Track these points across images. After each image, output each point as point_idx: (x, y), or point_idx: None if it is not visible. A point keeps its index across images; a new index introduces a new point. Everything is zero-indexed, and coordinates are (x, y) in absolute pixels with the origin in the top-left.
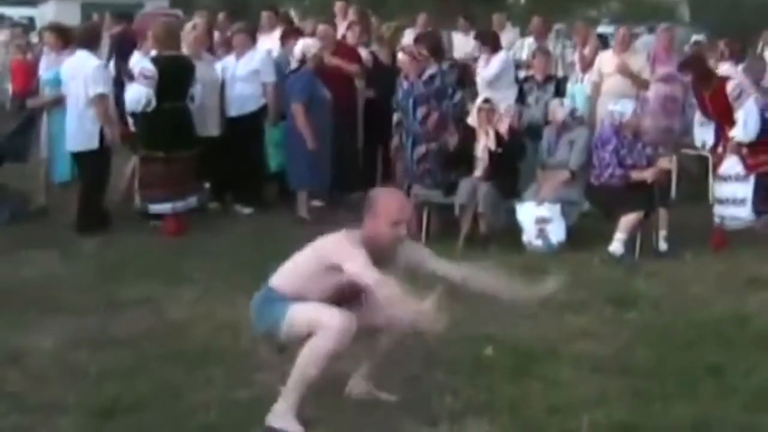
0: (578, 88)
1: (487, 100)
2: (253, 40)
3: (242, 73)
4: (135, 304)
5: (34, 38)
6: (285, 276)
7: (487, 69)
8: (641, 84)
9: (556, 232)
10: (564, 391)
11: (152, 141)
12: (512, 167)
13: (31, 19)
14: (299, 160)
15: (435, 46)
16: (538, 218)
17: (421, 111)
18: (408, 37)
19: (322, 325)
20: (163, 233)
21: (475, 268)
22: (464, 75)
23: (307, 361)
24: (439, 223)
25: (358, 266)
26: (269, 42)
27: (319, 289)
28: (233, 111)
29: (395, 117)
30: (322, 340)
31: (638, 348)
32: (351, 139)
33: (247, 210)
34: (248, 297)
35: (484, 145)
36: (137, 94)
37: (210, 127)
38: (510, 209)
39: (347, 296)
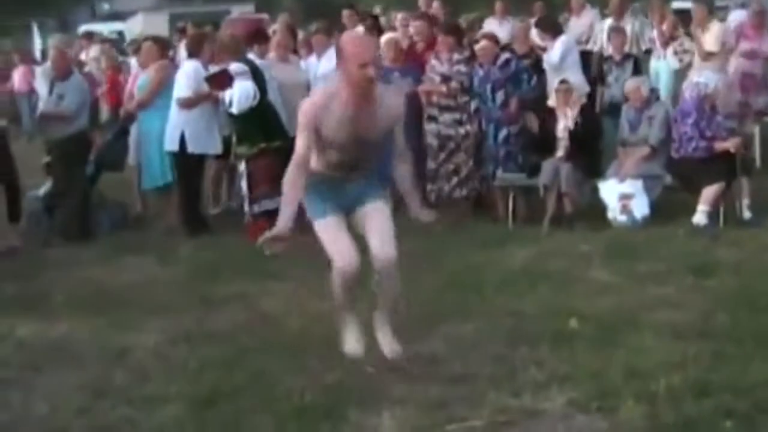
0: (662, 65)
1: (563, 81)
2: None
3: (323, 71)
4: (230, 301)
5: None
6: None
7: (551, 53)
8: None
9: (640, 207)
10: (644, 357)
11: (253, 135)
12: (593, 146)
13: (121, 33)
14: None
15: (555, 27)
16: (622, 194)
17: (499, 96)
18: (488, 25)
19: (332, 259)
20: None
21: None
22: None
23: (331, 290)
24: (525, 205)
25: (297, 140)
26: None
27: (320, 152)
28: None
29: (473, 105)
30: (333, 275)
31: (718, 313)
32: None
33: None
34: None
35: (563, 125)
36: (246, 90)
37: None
38: (593, 187)
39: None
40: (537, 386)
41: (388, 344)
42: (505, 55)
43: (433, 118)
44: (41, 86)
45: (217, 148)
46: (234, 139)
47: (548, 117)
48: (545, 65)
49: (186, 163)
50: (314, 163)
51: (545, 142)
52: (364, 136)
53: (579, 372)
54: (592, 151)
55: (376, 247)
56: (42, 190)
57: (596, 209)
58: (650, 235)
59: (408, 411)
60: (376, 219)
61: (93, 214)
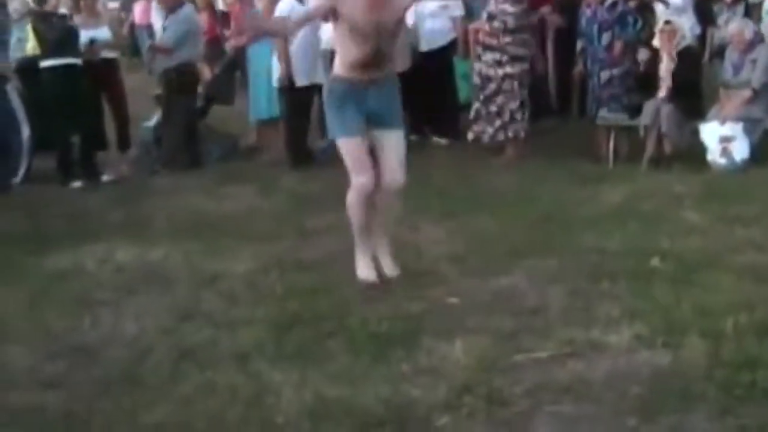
0: None
1: (668, 22)
2: None
3: (431, 9)
4: (324, 231)
5: None
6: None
7: None
8: None
9: (740, 150)
10: (718, 296)
11: None
12: (694, 87)
13: None
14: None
15: None
16: (722, 137)
17: (605, 37)
18: None
19: (352, 174)
20: None
21: None
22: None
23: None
24: (626, 145)
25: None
26: None
27: (344, 48)
28: (424, 46)
29: (578, 44)
30: (351, 191)
31: None
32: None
33: (444, 141)
34: (432, 222)
35: (666, 66)
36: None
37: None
38: (694, 129)
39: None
40: (608, 321)
41: (388, 265)
42: None
43: (478, 57)
44: (156, 20)
45: (322, 77)
46: None
47: (653, 57)
48: (658, 6)
49: (294, 96)
50: (339, 64)
51: (648, 83)
52: (381, 21)
53: (650, 308)
54: (693, 92)
55: (390, 170)
56: (153, 121)
57: (697, 151)
58: (747, 179)
59: (480, 340)
60: (393, 146)
61: (201, 145)
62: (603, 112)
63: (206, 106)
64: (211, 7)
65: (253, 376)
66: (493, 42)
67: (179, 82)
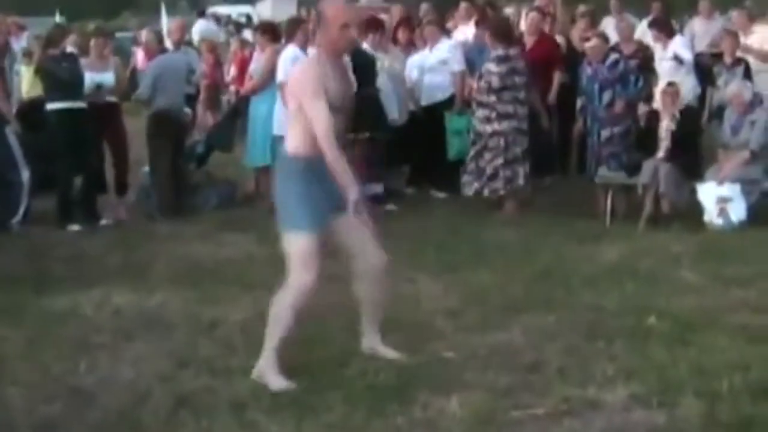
0: None
1: (671, 84)
2: (444, 31)
3: (432, 63)
4: (323, 281)
5: (248, 35)
6: (289, 132)
7: (682, 53)
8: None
9: (737, 211)
10: (712, 356)
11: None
12: (693, 147)
13: (248, 17)
14: None
15: (670, 28)
16: (719, 197)
17: (606, 95)
18: (605, 24)
19: (301, 276)
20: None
21: None
22: (644, 61)
23: (276, 320)
24: (624, 204)
25: (314, 110)
26: (467, 32)
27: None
28: (423, 101)
29: (579, 102)
30: (292, 298)
31: None
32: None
33: (441, 194)
34: (429, 275)
35: (666, 126)
36: None
37: (398, 116)
38: (692, 189)
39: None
40: (604, 379)
41: (391, 353)
42: (614, 56)
43: (472, 112)
44: None
45: None
46: None
47: (653, 117)
48: (658, 64)
49: None
50: (305, 143)
51: (648, 142)
52: (348, 95)
53: (646, 367)
54: (692, 152)
55: (372, 252)
56: None
57: (694, 211)
58: (744, 239)
59: (476, 395)
60: (364, 228)
61: (196, 192)
62: (602, 171)
63: (206, 152)
64: (214, 51)
65: (249, 426)
66: (483, 99)
67: (158, 128)
